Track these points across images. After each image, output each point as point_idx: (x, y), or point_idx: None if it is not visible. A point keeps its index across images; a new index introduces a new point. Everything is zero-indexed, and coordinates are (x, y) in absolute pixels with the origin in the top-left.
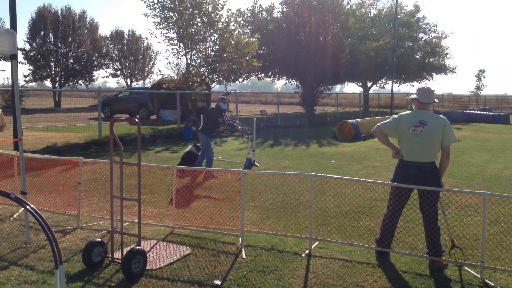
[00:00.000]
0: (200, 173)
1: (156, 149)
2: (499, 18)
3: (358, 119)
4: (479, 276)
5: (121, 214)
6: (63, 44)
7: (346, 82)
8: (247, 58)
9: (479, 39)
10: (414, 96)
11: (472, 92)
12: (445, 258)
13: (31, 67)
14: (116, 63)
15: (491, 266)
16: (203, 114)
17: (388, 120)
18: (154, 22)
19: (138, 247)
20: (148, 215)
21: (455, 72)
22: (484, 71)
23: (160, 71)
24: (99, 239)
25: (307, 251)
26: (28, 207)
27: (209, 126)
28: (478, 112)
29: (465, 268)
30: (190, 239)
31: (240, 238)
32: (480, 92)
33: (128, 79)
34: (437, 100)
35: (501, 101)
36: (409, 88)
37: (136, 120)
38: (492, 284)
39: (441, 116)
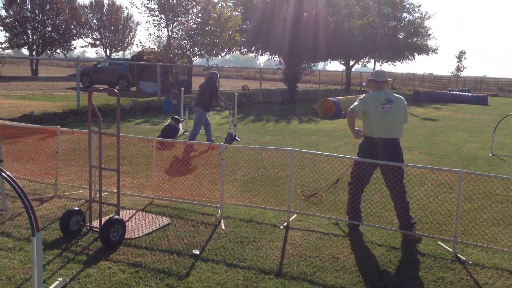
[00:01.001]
0: (188, 147)
1: (136, 121)
2: (481, 1)
3: (340, 97)
4: (451, 250)
5: (99, 183)
6: (41, 12)
7: (329, 59)
8: (230, 32)
9: (461, 21)
10: (370, 77)
11: (452, 73)
12: (420, 232)
13: (7, 34)
14: (95, 33)
15: (463, 241)
16: (203, 88)
17: (357, 103)
18: None
19: (116, 216)
20: (127, 185)
21: (436, 53)
22: (465, 53)
23: (140, 42)
24: (77, 208)
25: (285, 223)
26: (3, 174)
27: (209, 101)
28: (457, 92)
29: (439, 242)
30: (170, 209)
31: (219, 210)
32: (460, 73)
33: (108, 49)
34: (390, 79)
35: (480, 82)
36: (391, 68)
37: (115, 90)
38: (464, 258)
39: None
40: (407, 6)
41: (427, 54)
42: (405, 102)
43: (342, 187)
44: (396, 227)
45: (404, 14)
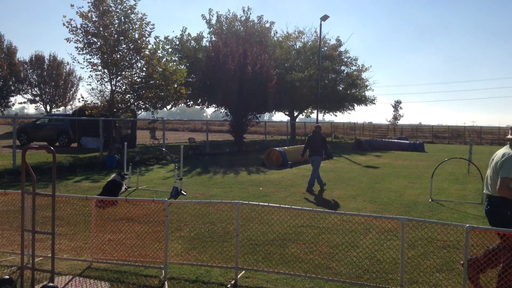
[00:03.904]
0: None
1: (76, 179)
2: (415, 53)
3: (286, 147)
4: None
5: (32, 248)
6: None
7: (274, 111)
8: (175, 86)
9: (397, 72)
10: (509, 136)
11: (390, 121)
12: (367, 283)
13: None
14: (35, 89)
15: None
16: (312, 140)
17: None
18: (77, 48)
19: (51, 284)
20: (64, 248)
21: (374, 103)
22: (400, 102)
23: (82, 97)
24: (8, 276)
25: (233, 281)
26: None
27: (325, 149)
28: (395, 140)
29: None
30: (110, 273)
31: (163, 271)
32: (397, 122)
33: (48, 105)
34: None
35: (416, 130)
36: (333, 118)
37: (51, 148)
38: None
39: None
40: (345, 59)
41: (366, 105)
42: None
43: (290, 239)
44: (344, 278)
45: (343, 67)
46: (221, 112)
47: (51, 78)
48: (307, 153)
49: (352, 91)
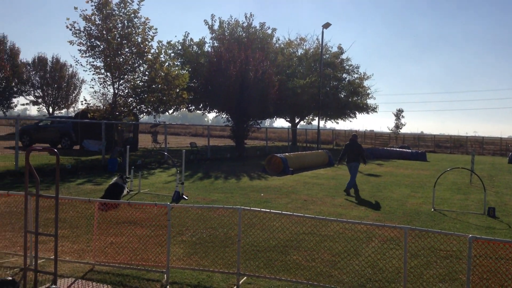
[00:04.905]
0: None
1: (78, 181)
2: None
3: (287, 153)
4: None
5: (35, 250)
6: None
7: (275, 117)
8: (177, 90)
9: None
10: None
11: (392, 130)
12: None
13: None
14: (38, 90)
15: None
16: (349, 147)
17: None
18: (80, 50)
19: (53, 286)
20: (66, 251)
21: (376, 111)
22: (402, 111)
23: (85, 99)
24: (11, 278)
25: (234, 287)
26: None
27: (362, 156)
28: (397, 149)
29: None
30: (112, 276)
31: (165, 275)
32: (399, 131)
33: (50, 107)
34: None
35: (418, 139)
36: (334, 125)
37: (55, 150)
38: None
39: None
40: (347, 67)
41: (367, 113)
42: None
43: (292, 245)
44: (346, 286)
45: (344, 75)
46: (222, 118)
47: (54, 80)
48: (345, 159)
49: (353, 98)
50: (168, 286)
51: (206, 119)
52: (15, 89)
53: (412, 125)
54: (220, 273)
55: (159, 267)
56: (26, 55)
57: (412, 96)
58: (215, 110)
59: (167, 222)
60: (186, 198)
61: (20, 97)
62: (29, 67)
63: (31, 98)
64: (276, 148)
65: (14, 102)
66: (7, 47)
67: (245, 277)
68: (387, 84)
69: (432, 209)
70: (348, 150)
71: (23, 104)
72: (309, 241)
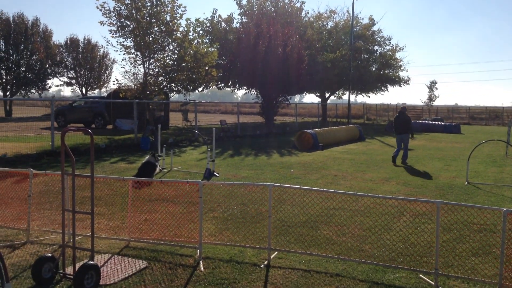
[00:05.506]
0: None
1: (112, 160)
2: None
3: (317, 129)
4: (433, 283)
5: (73, 227)
6: (15, 52)
7: (305, 92)
8: (206, 68)
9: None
10: None
11: (425, 102)
12: (401, 266)
13: None
14: (71, 72)
15: (445, 273)
16: (397, 120)
17: None
18: (110, 31)
19: (91, 262)
20: (102, 228)
21: (408, 84)
22: (436, 83)
23: (117, 79)
24: (50, 254)
25: (266, 262)
26: None
27: (409, 128)
28: (431, 122)
29: (420, 275)
30: (147, 252)
31: (198, 250)
32: (432, 103)
33: (83, 88)
34: None
35: (452, 111)
36: (365, 99)
37: (89, 130)
38: None
39: None
40: (378, 39)
41: (400, 85)
42: None
43: (322, 221)
44: (377, 260)
45: (376, 47)
46: (251, 94)
47: (86, 61)
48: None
49: (385, 71)
50: (201, 261)
51: (235, 96)
52: (49, 71)
53: (446, 97)
54: (252, 248)
55: (192, 242)
56: (59, 37)
57: (446, 67)
58: (244, 87)
59: (199, 199)
60: (217, 175)
61: (54, 78)
62: (62, 49)
63: (65, 79)
64: (306, 124)
65: (48, 84)
66: (40, 30)
67: (276, 252)
68: (420, 56)
69: (466, 183)
70: (397, 122)
71: (57, 86)
72: (340, 216)
